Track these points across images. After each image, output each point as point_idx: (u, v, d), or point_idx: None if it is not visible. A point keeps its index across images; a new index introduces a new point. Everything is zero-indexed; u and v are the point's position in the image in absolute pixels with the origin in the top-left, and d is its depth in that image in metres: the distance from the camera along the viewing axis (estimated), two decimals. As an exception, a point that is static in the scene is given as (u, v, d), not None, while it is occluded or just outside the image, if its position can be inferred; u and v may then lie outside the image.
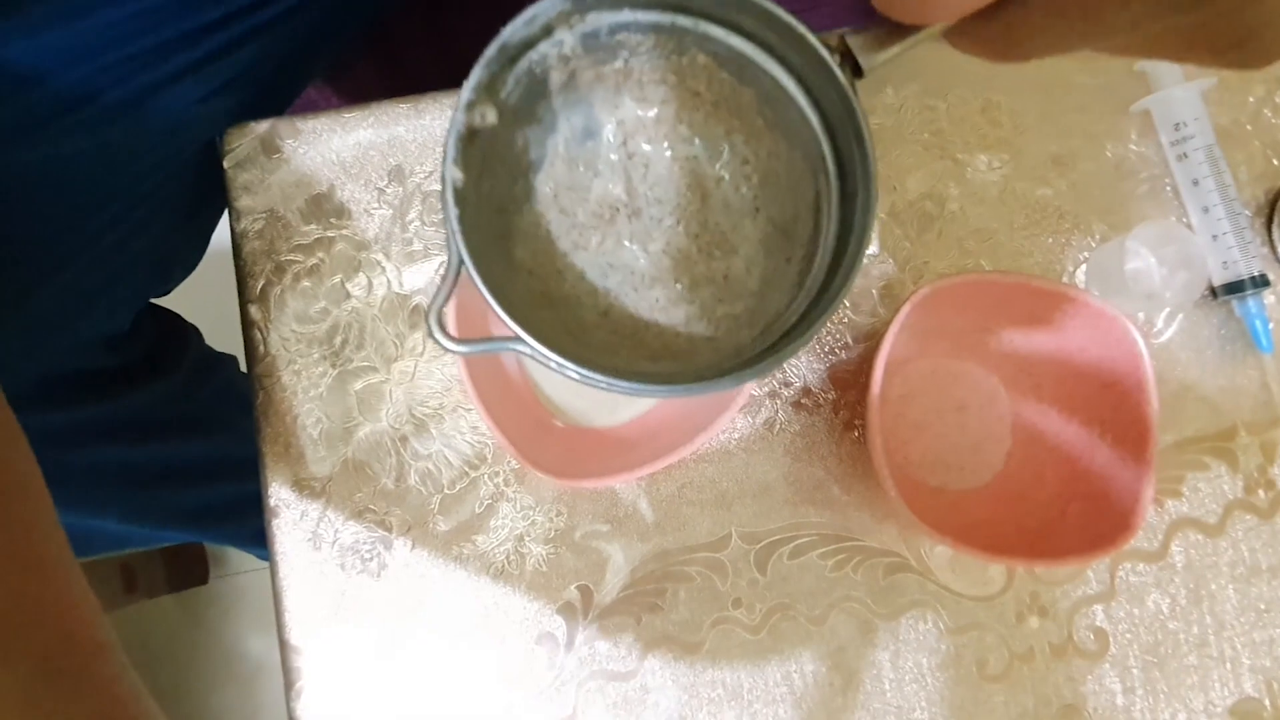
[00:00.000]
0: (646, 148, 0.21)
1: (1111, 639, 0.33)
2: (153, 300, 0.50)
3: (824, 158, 0.20)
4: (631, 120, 0.21)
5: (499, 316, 0.18)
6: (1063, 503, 0.31)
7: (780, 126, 0.21)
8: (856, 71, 0.19)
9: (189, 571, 0.88)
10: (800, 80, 0.20)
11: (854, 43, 0.18)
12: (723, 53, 0.20)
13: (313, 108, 0.37)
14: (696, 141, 0.21)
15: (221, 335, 0.59)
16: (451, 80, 0.37)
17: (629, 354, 0.21)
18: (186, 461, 0.53)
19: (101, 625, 0.23)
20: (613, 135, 0.21)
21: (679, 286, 0.22)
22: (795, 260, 0.21)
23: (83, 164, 0.35)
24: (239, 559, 0.91)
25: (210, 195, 0.43)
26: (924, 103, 0.36)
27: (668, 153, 0.21)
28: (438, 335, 0.19)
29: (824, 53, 0.18)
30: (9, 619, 0.20)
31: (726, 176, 0.21)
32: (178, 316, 0.54)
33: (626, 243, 0.21)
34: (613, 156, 0.21)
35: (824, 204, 0.20)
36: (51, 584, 0.22)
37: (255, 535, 0.62)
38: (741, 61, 0.20)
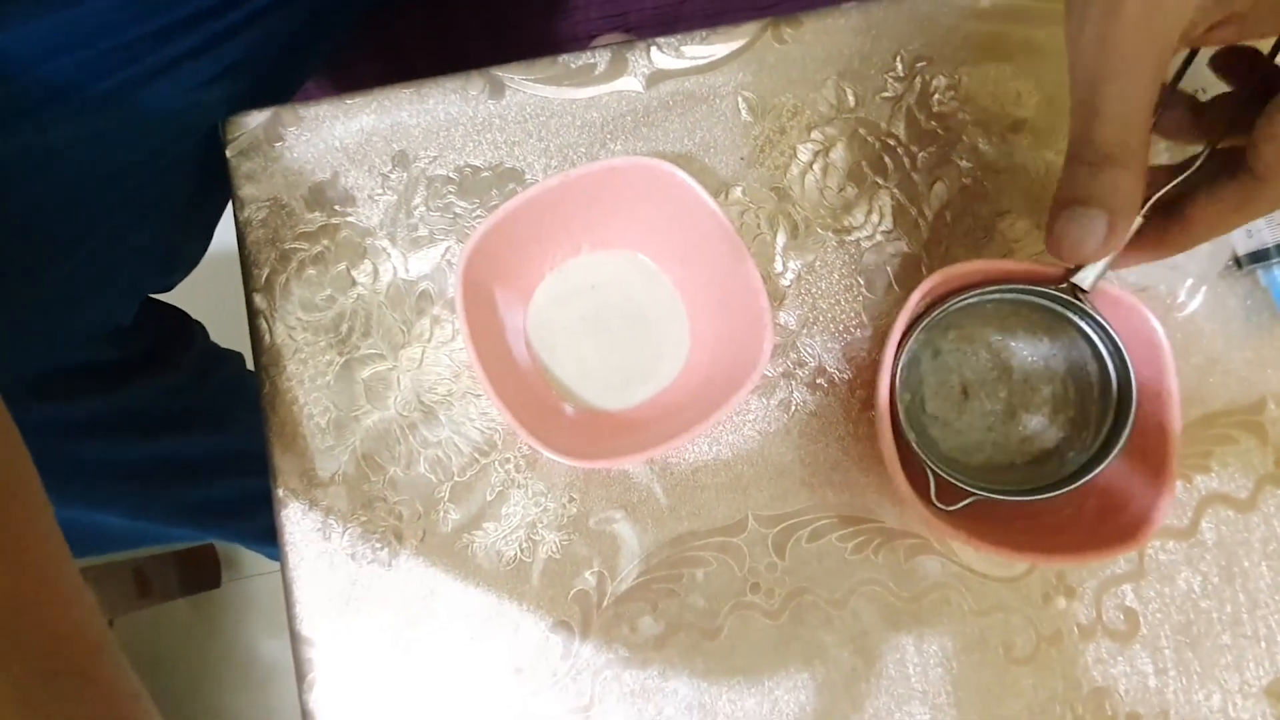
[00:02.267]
0: (984, 352, 0.33)
1: (1142, 619, 0.32)
2: (157, 296, 0.50)
3: (1097, 349, 0.31)
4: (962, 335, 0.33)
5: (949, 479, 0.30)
6: (1080, 498, 0.30)
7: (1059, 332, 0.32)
8: (1083, 291, 0.29)
9: (201, 575, 0.88)
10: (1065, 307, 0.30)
11: (1077, 279, 0.28)
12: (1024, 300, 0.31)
13: (313, 100, 0.36)
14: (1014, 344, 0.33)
15: (227, 334, 0.59)
16: (451, 70, 0.37)
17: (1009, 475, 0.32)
18: (192, 457, 0.53)
19: (98, 625, 0.22)
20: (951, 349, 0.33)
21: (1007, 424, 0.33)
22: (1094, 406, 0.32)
23: (76, 153, 0.34)
24: (251, 562, 0.91)
25: (212, 186, 0.43)
26: (935, 76, 0.35)
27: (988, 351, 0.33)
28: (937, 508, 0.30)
29: (1088, 307, 0.29)
30: (3, 619, 0.20)
31: (1029, 361, 0.33)
32: (182, 312, 0.54)
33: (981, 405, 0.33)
34: (950, 361, 0.33)
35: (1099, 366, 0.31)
36: (47, 584, 0.22)
37: (263, 533, 0.62)
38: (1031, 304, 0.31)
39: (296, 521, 0.33)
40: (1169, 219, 0.26)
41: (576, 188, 0.31)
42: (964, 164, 0.35)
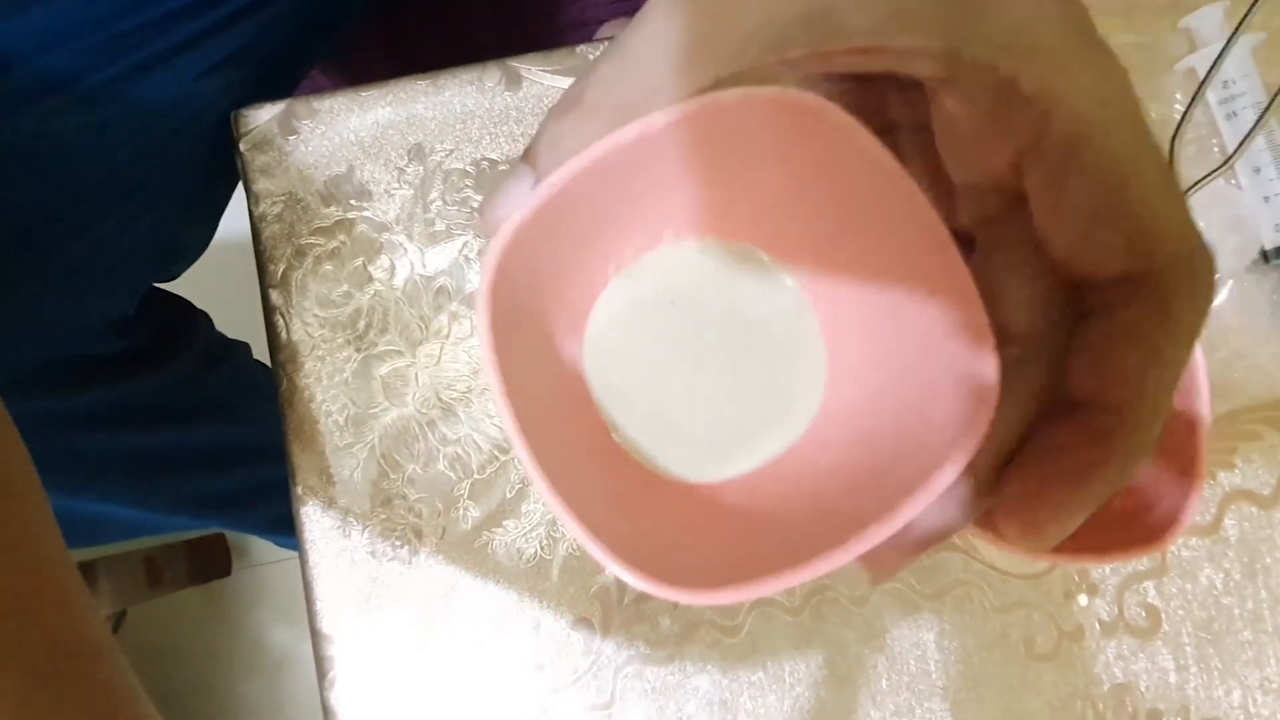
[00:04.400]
0: None
1: (1164, 616, 0.32)
2: (161, 286, 0.50)
3: None
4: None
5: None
6: None
7: None
8: None
9: (212, 563, 0.89)
10: None
11: None
12: None
13: (320, 91, 0.36)
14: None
15: (232, 322, 0.59)
16: (458, 59, 0.36)
17: None
18: (197, 448, 0.53)
19: (97, 625, 0.22)
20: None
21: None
22: None
23: (76, 143, 0.34)
24: (261, 550, 0.91)
25: (218, 176, 0.42)
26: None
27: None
28: None
29: None
30: (0, 620, 0.20)
31: None
32: (186, 302, 0.54)
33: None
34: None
35: None
36: (45, 584, 0.21)
37: (271, 522, 0.62)
38: None
39: (316, 519, 0.33)
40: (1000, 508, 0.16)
41: (665, 144, 0.19)
42: (988, 157, 0.34)
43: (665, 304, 0.23)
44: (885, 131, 0.18)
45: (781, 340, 0.22)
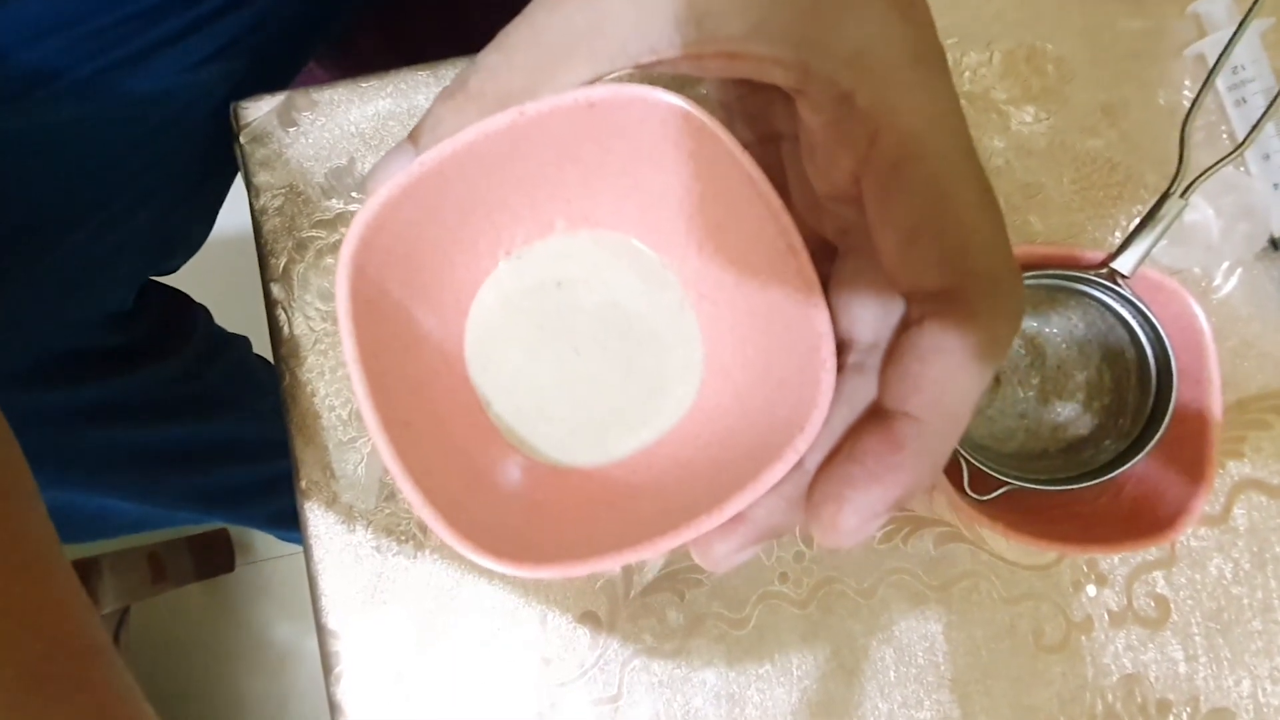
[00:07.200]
0: (1017, 339, 0.32)
1: (1173, 606, 0.32)
2: (160, 280, 0.49)
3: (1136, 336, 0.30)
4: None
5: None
6: (1117, 487, 0.30)
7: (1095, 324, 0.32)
8: (1123, 276, 0.29)
9: (216, 559, 0.89)
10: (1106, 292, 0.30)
11: (1117, 264, 0.28)
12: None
13: (317, 83, 0.35)
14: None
15: (233, 317, 0.59)
16: (459, 49, 0.36)
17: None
18: (198, 442, 0.52)
19: (93, 626, 0.22)
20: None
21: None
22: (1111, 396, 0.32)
23: (67, 136, 0.34)
24: (264, 546, 0.91)
25: (216, 169, 0.42)
26: (966, 53, 0.34)
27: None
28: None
29: (1127, 293, 0.29)
30: None
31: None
32: (185, 296, 0.54)
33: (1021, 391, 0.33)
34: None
35: (1134, 367, 0.31)
36: (41, 585, 0.21)
37: (275, 516, 0.62)
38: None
39: (320, 515, 0.33)
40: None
41: (540, 133, 0.19)
42: (996, 144, 0.34)
43: (551, 289, 0.23)
44: (770, 140, 0.20)
45: (662, 335, 0.23)
